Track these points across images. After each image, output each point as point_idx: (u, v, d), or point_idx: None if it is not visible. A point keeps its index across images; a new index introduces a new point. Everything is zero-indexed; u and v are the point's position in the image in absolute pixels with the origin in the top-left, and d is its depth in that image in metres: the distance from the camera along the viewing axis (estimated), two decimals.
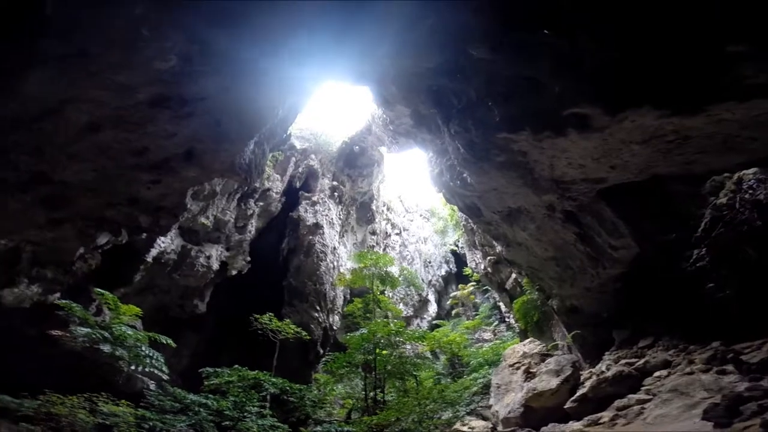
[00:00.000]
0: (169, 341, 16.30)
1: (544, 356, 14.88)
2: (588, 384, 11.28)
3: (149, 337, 15.82)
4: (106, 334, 14.42)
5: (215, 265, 22.37)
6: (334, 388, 19.07)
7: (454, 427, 13.69)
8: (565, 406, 11.76)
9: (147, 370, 15.14)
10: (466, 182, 12.32)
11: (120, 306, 15.83)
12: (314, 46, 10.62)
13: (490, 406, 15.19)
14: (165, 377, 15.59)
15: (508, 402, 13.75)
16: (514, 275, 18.19)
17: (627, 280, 11.39)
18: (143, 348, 15.25)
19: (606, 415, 9.30)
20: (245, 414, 13.22)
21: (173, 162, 13.81)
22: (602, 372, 11.15)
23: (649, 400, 8.71)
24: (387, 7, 7.55)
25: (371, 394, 16.50)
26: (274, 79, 11.91)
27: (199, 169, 14.61)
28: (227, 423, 13.23)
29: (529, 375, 14.23)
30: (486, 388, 17.03)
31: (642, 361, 10.27)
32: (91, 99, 10.70)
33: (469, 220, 17.91)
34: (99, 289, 16.14)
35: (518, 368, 14.93)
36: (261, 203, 24.58)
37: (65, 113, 10.76)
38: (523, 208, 11.66)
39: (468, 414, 15.40)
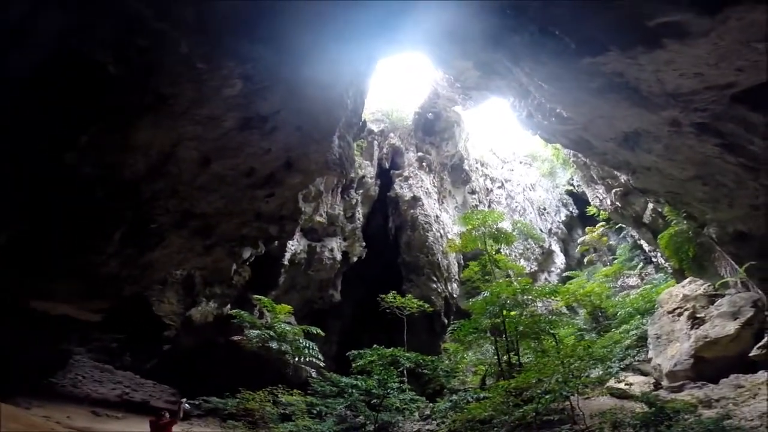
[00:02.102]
0: (319, 331, 18.29)
1: (711, 297, 12.50)
2: None
3: (303, 330, 17.96)
4: (272, 333, 16.73)
5: (338, 256, 24.39)
6: (464, 355, 18.96)
7: (608, 384, 12.37)
8: (751, 354, 9.88)
9: (307, 359, 17.29)
10: (563, 117, 10.92)
11: (275, 307, 18.16)
12: (358, 33, 10.46)
13: (649, 360, 13.59)
14: (321, 364, 17.67)
15: (672, 354, 12.06)
16: (650, 205, 15.41)
17: None
18: (301, 340, 17.33)
19: None
20: (388, 390, 14.22)
21: (278, 174, 15.44)
22: None
23: None
24: None
25: (504, 357, 15.96)
26: (332, 74, 12.15)
27: (300, 175, 16.05)
28: (375, 401, 14.36)
29: (695, 321, 12.14)
30: (641, 341, 15.18)
31: None
32: (191, 136, 12.45)
33: (579, 155, 15.72)
34: (256, 296, 18.83)
35: (680, 314, 12.83)
36: (360, 191, 25.90)
37: (178, 154, 12.72)
38: (640, 129, 9.82)
39: (623, 370, 13.66)
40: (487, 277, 20.40)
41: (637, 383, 12.62)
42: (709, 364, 10.93)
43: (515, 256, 27.59)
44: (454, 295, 25.41)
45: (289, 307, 18.76)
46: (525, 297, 17.00)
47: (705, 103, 7.53)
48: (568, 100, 9.84)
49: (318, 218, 23.63)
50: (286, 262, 21.67)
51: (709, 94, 7.19)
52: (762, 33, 5.60)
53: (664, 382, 12.03)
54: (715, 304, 11.87)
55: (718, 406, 8.34)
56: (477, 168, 32.39)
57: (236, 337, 16.89)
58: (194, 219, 14.80)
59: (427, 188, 27.50)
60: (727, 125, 7.99)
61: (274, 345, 16.25)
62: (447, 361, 18.59)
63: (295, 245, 22.25)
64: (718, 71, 6.58)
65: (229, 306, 18.63)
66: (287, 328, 17.35)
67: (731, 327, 10.67)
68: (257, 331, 16.58)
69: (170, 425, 8.21)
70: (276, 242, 20.17)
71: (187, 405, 9.48)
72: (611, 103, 8.92)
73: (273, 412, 11.92)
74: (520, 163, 34.30)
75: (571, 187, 29.27)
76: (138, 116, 10.84)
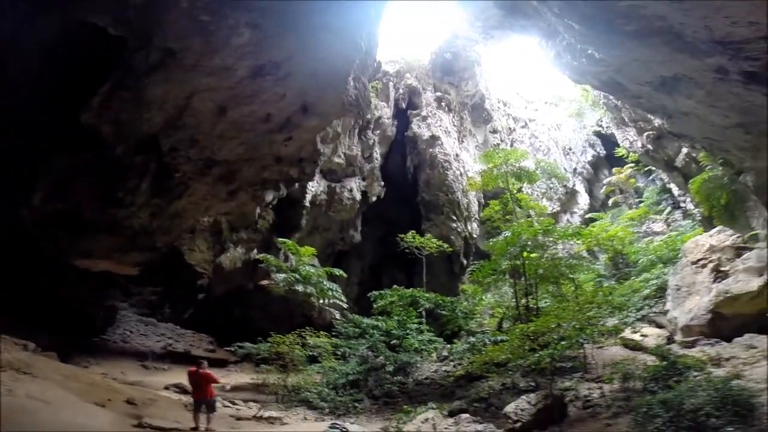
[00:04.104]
0: (342, 272, 18.75)
1: (739, 250, 11.90)
2: None
3: (326, 272, 18.38)
4: (297, 276, 17.19)
5: (358, 196, 24.63)
6: (483, 297, 19.15)
7: (623, 335, 12.38)
8: None
9: (331, 301, 17.88)
10: (594, 58, 10.16)
11: (299, 249, 18.49)
12: None
13: (666, 312, 13.27)
14: (344, 306, 18.31)
15: (690, 307, 11.73)
16: (685, 149, 14.45)
17: None
18: (325, 282, 17.77)
19: None
20: (407, 331, 14.94)
21: (294, 118, 15.36)
22: None
23: None
24: None
25: (522, 301, 16.02)
26: (343, 16, 11.60)
27: (317, 117, 15.88)
28: (394, 341, 15.08)
29: (719, 274, 11.68)
30: (661, 291, 14.68)
31: None
32: (205, 87, 12.55)
33: (610, 97, 14.59)
34: (281, 239, 19.24)
35: (704, 266, 12.30)
36: (377, 131, 25.40)
37: (193, 105, 12.93)
38: (681, 75, 9.08)
39: (638, 320, 13.74)
40: (507, 217, 20.12)
41: (651, 335, 12.55)
42: (726, 322, 10.74)
43: (537, 195, 26.97)
44: (474, 235, 25.60)
45: (313, 249, 19.12)
46: (546, 238, 16.36)
47: (758, 53, 6.83)
48: (600, 42, 9.10)
49: (336, 159, 23.53)
50: (307, 204, 22.02)
51: (765, 43, 6.48)
52: None
53: (678, 337, 11.88)
54: (742, 257, 11.37)
55: (728, 365, 8.44)
56: (499, 107, 31.11)
57: (264, 282, 17.64)
58: (216, 166, 15.19)
59: (446, 127, 26.75)
60: None
61: (300, 288, 16.84)
62: (465, 303, 18.77)
63: (316, 186, 22.45)
64: None
65: (255, 251, 19.38)
66: (312, 271, 17.79)
67: (755, 284, 10.32)
68: (283, 275, 17.11)
69: (209, 376, 8.53)
70: (297, 184, 20.44)
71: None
72: (650, 47, 8.26)
73: (302, 354, 12.49)
74: (546, 103, 32.45)
75: (600, 128, 27.67)
76: (147, 73, 10.89)
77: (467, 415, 9.18)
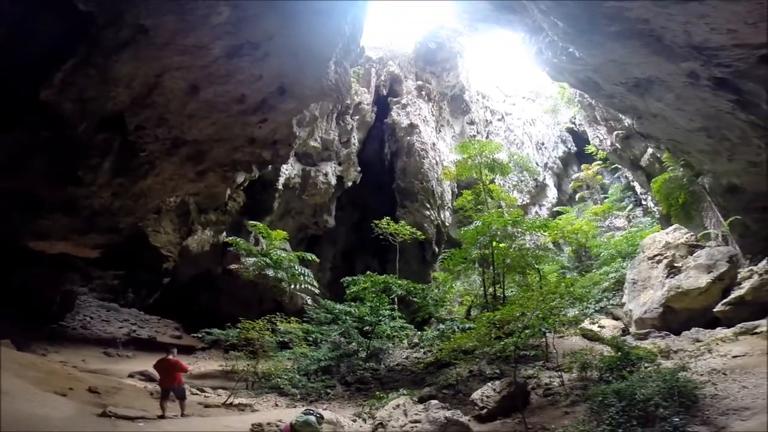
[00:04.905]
0: (314, 257, 18.45)
1: (692, 247, 12.54)
2: (747, 285, 9.53)
3: (298, 257, 17.98)
4: (268, 260, 16.74)
5: (333, 180, 24.40)
6: (453, 285, 19.54)
7: (582, 325, 12.81)
8: (715, 309, 10.24)
9: (303, 286, 17.60)
10: (574, 57, 10.44)
11: (270, 233, 18.02)
12: None
13: (622, 304, 13.91)
14: (316, 291, 18.10)
15: (644, 300, 12.33)
16: (650, 150, 15.14)
17: None
18: (296, 267, 17.41)
19: (766, 324, 7.87)
20: (380, 318, 15.00)
21: (270, 100, 14.88)
22: None
23: None
24: None
25: (490, 290, 16.47)
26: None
27: (294, 100, 15.46)
28: (367, 328, 15.15)
29: (672, 270, 12.26)
30: (619, 284, 15.40)
31: None
32: (177, 66, 12.00)
33: (585, 95, 15.04)
34: (252, 222, 18.77)
35: (659, 261, 12.92)
36: (356, 117, 25.16)
37: (164, 84, 12.37)
38: (654, 77, 9.51)
39: (597, 312, 14.23)
40: (479, 207, 20.60)
41: (608, 326, 13.11)
42: (676, 315, 11.37)
43: (509, 187, 27.71)
44: (446, 224, 26.05)
45: (284, 233, 18.72)
46: (515, 229, 16.76)
47: (730, 60, 7.22)
48: (582, 41, 9.35)
49: (312, 143, 23.15)
50: (280, 186, 21.63)
51: (738, 51, 6.88)
52: None
53: (632, 329, 12.44)
54: (694, 255, 12.07)
55: (676, 357, 9.03)
56: (478, 99, 31.55)
57: (233, 266, 17.12)
58: (185, 146, 14.61)
59: (425, 116, 26.90)
60: (747, 84, 7.72)
61: (270, 272, 16.46)
62: (436, 290, 19.08)
63: (289, 169, 22.06)
64: (754, 30, 6.23)
65: (224, 234, 18.83)
66: (283, 255, 17.42)
67: (703, 280, 10.98)
68: (254, 259, 16.66)
69: (178, 364, 8.43)
70: (270, 166, 19.92)
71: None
72: (628, 49, 8.60)
73: (272, 340, 12.26)
74: (523, 98, 33.21)
75: (572, 126, 28.58)
76: (115, 50, 10.31)
77: (436, 402, 9.43)
